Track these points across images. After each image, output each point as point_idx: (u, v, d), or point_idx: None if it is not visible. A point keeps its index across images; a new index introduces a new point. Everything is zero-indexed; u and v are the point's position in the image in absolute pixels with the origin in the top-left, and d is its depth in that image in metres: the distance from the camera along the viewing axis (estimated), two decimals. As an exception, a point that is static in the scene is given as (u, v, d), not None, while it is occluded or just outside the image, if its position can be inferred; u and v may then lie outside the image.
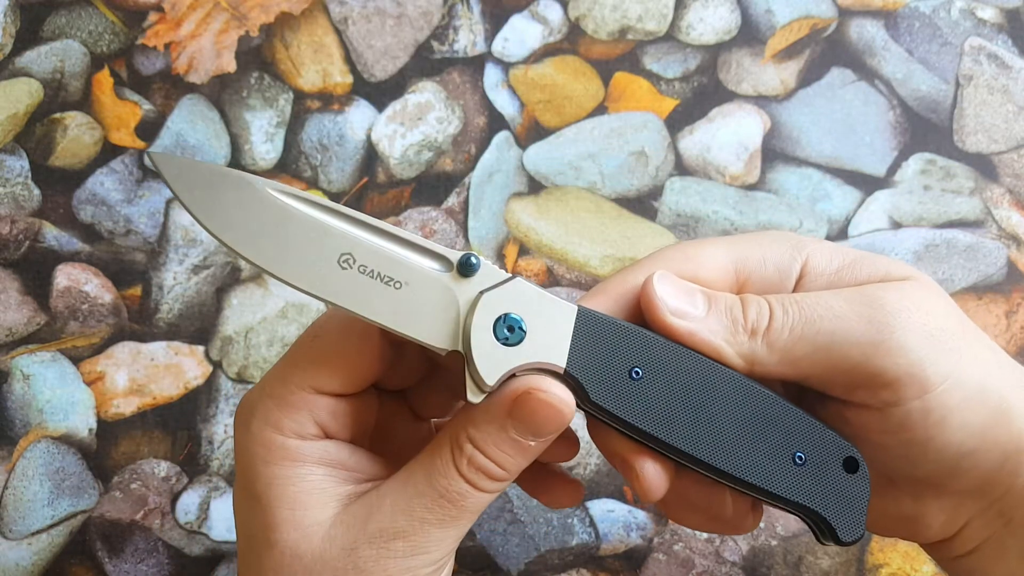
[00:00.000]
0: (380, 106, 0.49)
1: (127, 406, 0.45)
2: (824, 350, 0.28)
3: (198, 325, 0.46)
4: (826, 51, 0.49)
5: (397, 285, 0.26)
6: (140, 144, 0.48)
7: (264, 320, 0.46)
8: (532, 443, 0.27)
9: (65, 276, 0.46)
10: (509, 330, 0.26)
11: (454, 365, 0.28)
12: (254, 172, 0.48)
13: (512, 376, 0.27)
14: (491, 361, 0.26)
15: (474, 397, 0.26)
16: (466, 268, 0.27)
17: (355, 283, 0.26)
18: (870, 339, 0.27)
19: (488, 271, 0.27)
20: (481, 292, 0.27)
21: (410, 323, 0.26)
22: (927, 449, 0.28)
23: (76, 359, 0.45)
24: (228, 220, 0.26)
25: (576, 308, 0.27)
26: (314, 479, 0.28)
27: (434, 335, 0.26)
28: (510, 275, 0.27)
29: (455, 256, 0.27)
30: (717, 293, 0.29)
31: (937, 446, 0.28)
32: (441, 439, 0.28)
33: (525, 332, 0.26)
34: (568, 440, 0.31)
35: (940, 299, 0.29)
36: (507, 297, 0.26)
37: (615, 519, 0.44)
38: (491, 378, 0.26)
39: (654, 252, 0.30)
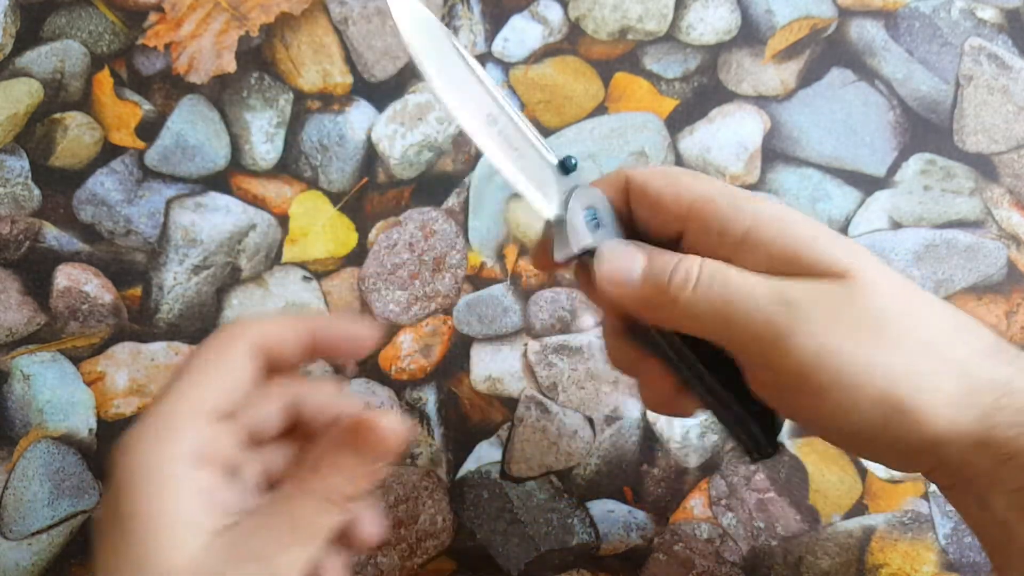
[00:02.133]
0: (380, 106, 0.49)
1: (127, 406, 0.45)
2: (730, 332, 0.30)
3: (198, 325, 0.46)
4: (826, 51, 0.49)
5: (520, 156, 0.34)
6: (140, 144, 0.48)
7: (264, 320, 0.46)
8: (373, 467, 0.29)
9: (65, 276, 0.46)
10: (593, 219, 0.33)
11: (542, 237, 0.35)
12: (254, 173, 0.48)
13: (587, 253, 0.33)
14: (578, 234, 0.33)
15: (560, 256, 0.33)
16: (565, 168, 0.34)
17: (497, 138, 0.34)
18: (771, 341, 0.29)
19: (583, 172, 0.34)
20: (575, 186, 0.33)
21: (527, 187, 0.34)
22: (829, 432, 0.31)
23: (76, 359, 0.45)
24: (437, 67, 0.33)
25: None
26: (187, 507, 0.28)
27: (541, 203, 0.34)
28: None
29: (556, 158, 0.34)
30: (656, 258, 0.32)
31: (835, 435, 0.31)
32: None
33: (599, 223, 0.33)
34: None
35: (854, 307, 0.30)
36: (592, 195, 0.33)
37: (615, 519, 0.44)
38: (577, 247, 0.33)
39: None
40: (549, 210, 0.33)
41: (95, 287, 0.46)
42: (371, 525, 0.32)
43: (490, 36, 0.50)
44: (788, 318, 0.29)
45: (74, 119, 0.48)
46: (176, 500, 0.27)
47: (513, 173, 0.33)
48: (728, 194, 0.32)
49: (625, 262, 0.32)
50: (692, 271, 0.30)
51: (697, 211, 0.31)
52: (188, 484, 0.28)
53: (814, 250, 0.30)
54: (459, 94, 0.33)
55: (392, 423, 0.30)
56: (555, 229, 0.33)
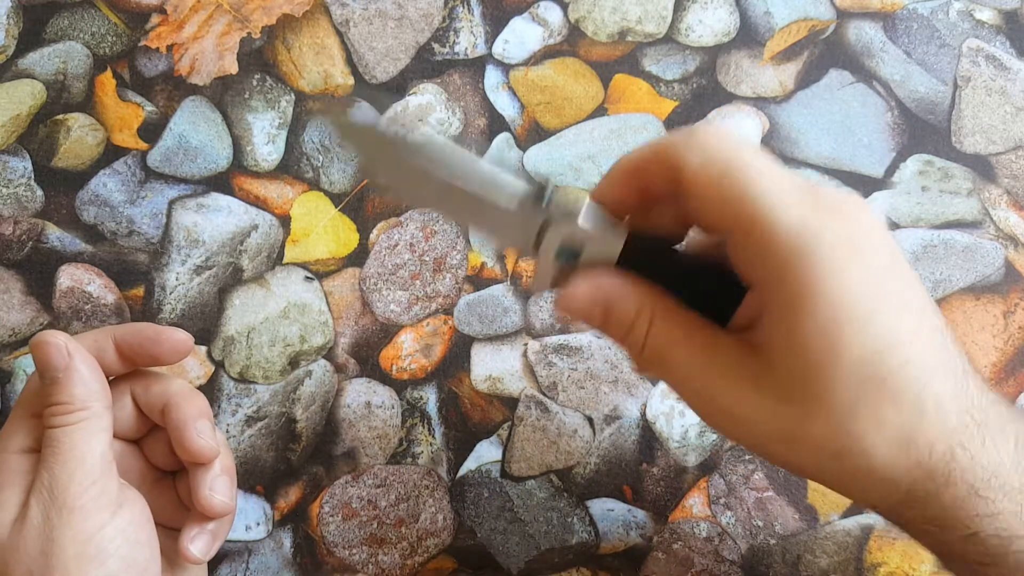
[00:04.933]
0: (381, 108, 0.49)
1: (130, 406, 0.45)
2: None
3: (200, 325, 0.46)
4: (824, 53, 0.50)
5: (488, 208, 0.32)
6: (142, 145, 0.48)
7: (266, 320, 0.46)
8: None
9: (68, 277, 0.46)
10: (570, 257, 0.31)
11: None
12: (256, 174, 0.48)
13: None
14: (548, 278, 0.32)
15: (535, 290, 0.34)
16: (539, 197, 0.31)
17: (461, 200, 0.32)
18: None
19: (558, 200, 0.31)
20: (547, 221, 0.31)
21: (496, 236, 0.32)
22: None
23: (79, 359, 0.46)
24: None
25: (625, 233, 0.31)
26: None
27: (518, 244, 0.32)
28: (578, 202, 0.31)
29: (525, 189, 0.31)
30: (614, 311, 0.30)
31: None
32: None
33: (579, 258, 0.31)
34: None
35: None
36: (569, 227, 0.31)
37: (615, 518, 0.44)
38: (550, 287, 0.32)
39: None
40: (526, 249, 0.32)
41: (98, 287, 0.46)
42: (220, 492, 0.35)
43: (490, 38, 0.50)
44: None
45: (77, 120, 0.48)
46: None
47: (486, 232, 0.32)
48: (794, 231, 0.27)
49: (583, 311, 0.30)
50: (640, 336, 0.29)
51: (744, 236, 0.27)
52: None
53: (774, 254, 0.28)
54: (411, 189, 0.32)
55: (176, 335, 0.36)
56: (534, 261, 0.32)
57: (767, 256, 0.26)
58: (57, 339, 0.34)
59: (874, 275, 0.26)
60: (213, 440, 0.35)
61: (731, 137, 0.28)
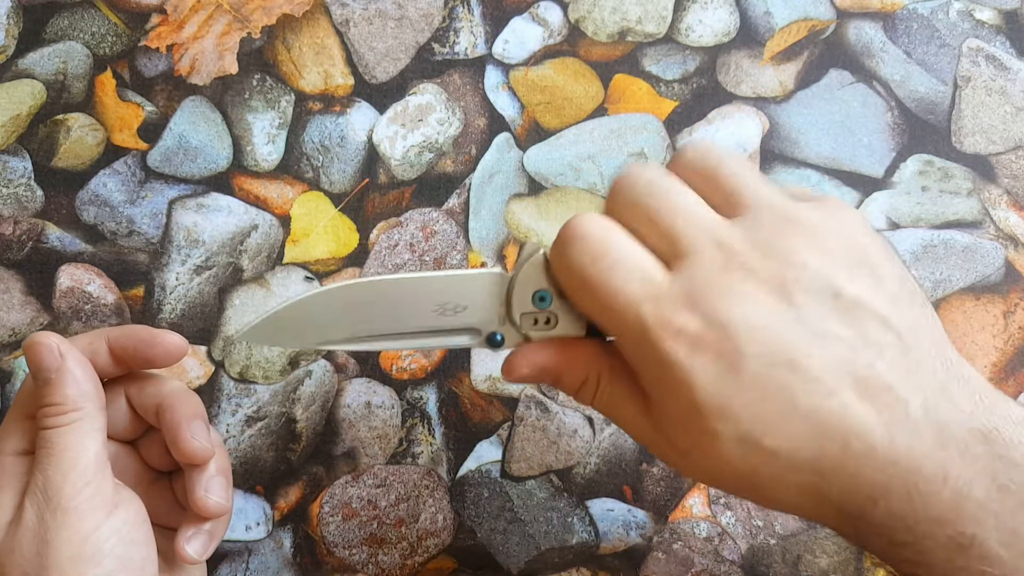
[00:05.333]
0: (381, 108, 0.49)
1: (130, 406, 0.45)
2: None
3: (200, 325, 0.46)
4: (824, 53, 0.50)
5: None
6: (143, 145, 0.48)
7: (266, 320, 0.46)
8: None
9: (68, 277, 0.46)
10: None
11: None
12: (256, 174, 0.48)
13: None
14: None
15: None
16: (492, 343, 0.33)
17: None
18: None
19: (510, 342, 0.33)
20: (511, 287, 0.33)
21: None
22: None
23: (79, 359, 0.46)
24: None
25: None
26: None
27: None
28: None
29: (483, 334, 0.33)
30: (563, 378, 0.33)
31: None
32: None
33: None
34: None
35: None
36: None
37: (615, 518, 0.44)
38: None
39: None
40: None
41: (98, 287, 0.46)
42: (215, 493, 0.35)
43: (490, 38, 0.50)
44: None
45: (77, 120, 0.48)
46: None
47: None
48: None
49: (533, 377, 0.33)
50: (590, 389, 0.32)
51: None
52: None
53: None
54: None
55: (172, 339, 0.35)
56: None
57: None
58: (49, 340, 0.34)
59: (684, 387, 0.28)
60: (208, 441, 0.35)
61: (581, 237, 0.30)
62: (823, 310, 0.27)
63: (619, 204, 0.30)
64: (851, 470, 0.26)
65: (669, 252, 0.29)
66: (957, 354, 0.29)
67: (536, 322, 0.32)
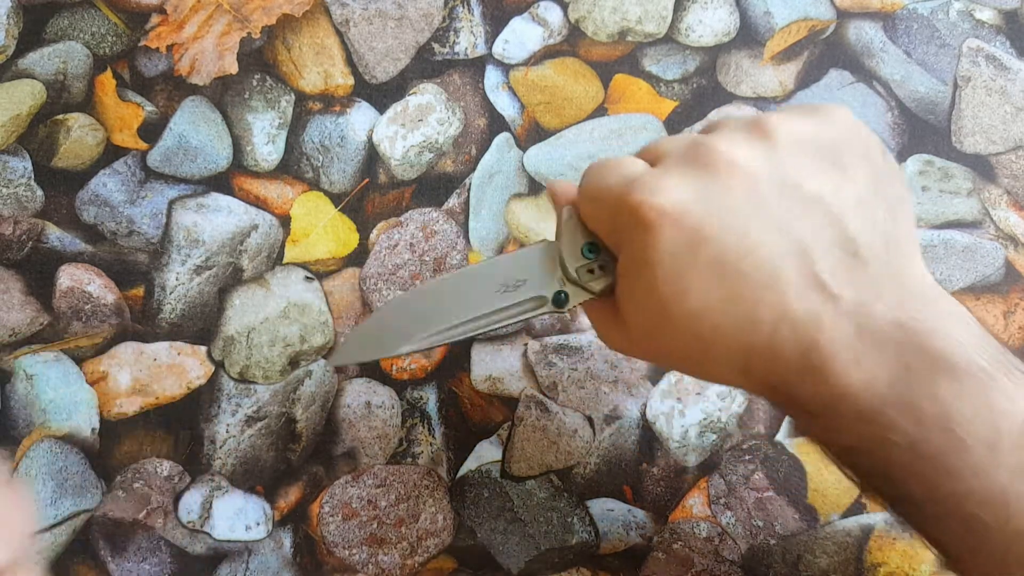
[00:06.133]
0: (381, 108, 0.49)
1: (130, 406, 0.45)
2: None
3: (200, 325, 0.46)
4: (824, 53, 0.50)
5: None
6: (143, 145, 0.48)
7: (266, 320, 0.46)
8: None
9: (68, 277, 0.46)
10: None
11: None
12: (256, 173, 0.48)
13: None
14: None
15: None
16: (558, 303, 0.35)
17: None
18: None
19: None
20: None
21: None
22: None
23: (79, 359, 0.46)
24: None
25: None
26: None
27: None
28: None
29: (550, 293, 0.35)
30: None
31: None
32: None
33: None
34: None
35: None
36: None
37: (614, 518, 0.44)
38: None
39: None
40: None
41: (98, 287, 0.46)
42: None
43: (490, 38, 0.50)
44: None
45: (76, 120, 0.48)
46: None
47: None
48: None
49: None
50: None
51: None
52: None
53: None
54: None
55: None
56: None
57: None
58: None
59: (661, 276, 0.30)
60: None
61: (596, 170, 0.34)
62: (785, 204, 0.29)
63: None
64: (776, 353, 0.29)
65: (653, 159, 0.33)
66: (920, 266, 0.30)
67: (592, 271, 0.34)
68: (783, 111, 0.32)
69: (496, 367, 0.46)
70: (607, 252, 0.34)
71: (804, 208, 0.29)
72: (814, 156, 0.30)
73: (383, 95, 0.49)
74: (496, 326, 0.35)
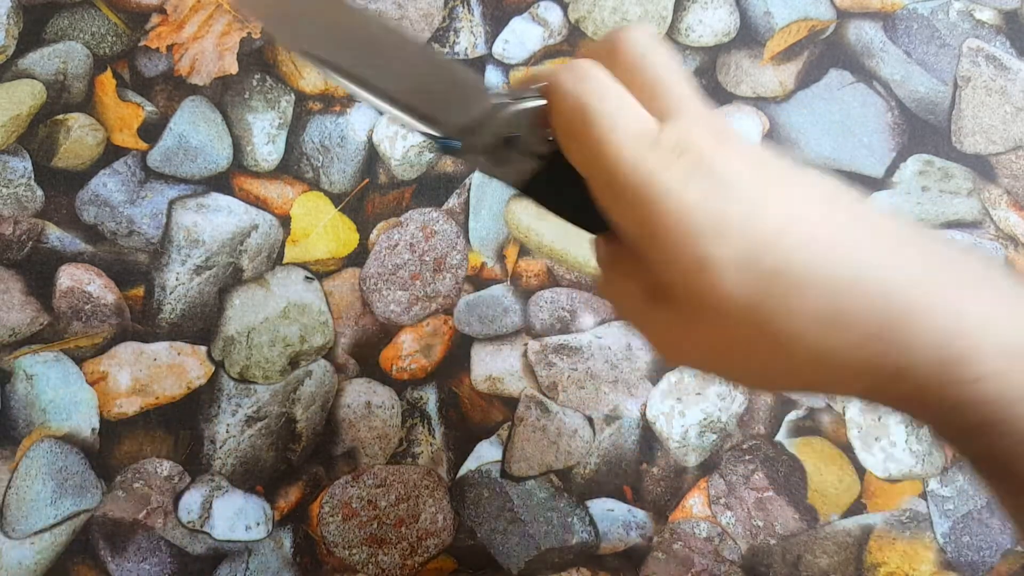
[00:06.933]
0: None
1: (130, 406, 0.45)
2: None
3: (200, 325, 0.46)
4: (824, 53, 0.50)
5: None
6: (142, 145, 0.48)
7: (266, 320, 0.46)
8: None
9: (68, 277, 0.46)
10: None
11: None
12: (256, 174, 0.48)
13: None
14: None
15: None
16: (447, 148, 0.31)
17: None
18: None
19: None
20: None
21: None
22: None
23: (79, 359, 0.46)
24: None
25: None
26: None
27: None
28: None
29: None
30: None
31: None
32: None
33: None
34: None
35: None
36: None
37: (615, 518, 0.44)
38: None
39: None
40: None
41: (98, 287, 0.46)
42: None
43: (490, 38, 0.50)
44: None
45: (77, 120, 0.48)
46: None
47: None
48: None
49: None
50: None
51: None
52: None
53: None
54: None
55: None
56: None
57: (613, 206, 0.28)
58: None
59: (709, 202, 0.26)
60: None
61: (588, 76, 0.28)
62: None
63: (617, 62, 0.29)
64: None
65: (659, 111, 0.28)
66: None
67: (503, 162, 0.31)
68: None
69: (496, 367, 0.46)
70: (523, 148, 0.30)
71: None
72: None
73: (383, 95, 0.49)
74: (381, 108, 0.30)
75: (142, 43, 0.49)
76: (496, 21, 0.50)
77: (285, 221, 0.47)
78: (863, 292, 0.25)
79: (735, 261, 0.25)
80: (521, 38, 0.50)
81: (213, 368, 0.46)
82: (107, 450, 0.45)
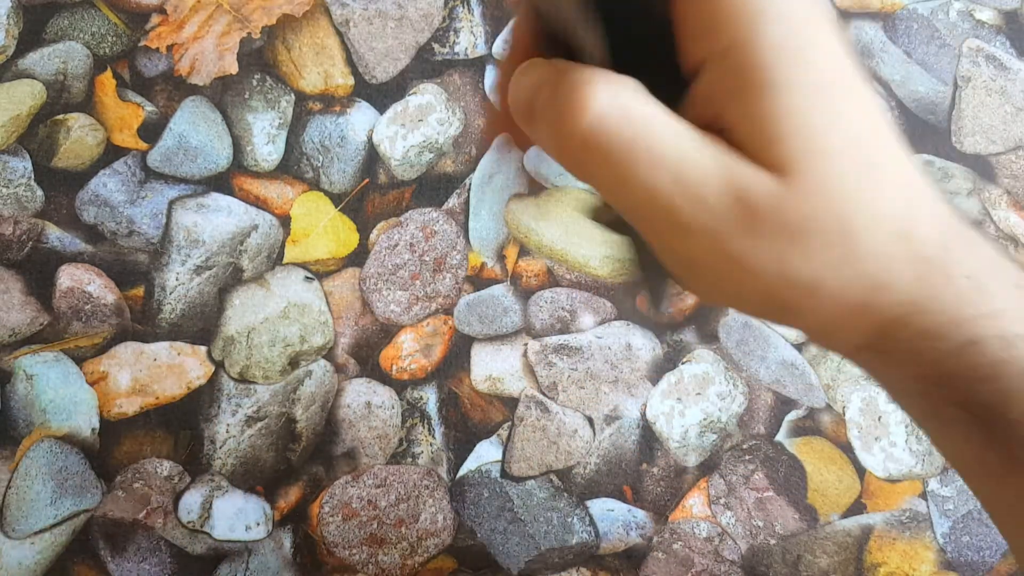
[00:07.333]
0: (381, 108, 0.49)
1: (130, 406, 0.45)
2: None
3: (200, 325, 0.46)
4: (825, 53, 0.50)
5: None
6: (143, 145, 0.48)
7: (266, 320, 0.46)
8: None
9: (68, 277, 0.46)
10: None
11: None
12: (256, 174, 0.48)
13: None
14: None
15: None
16: None
17: None
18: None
19: None
20: None
21: None
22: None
23: (79, 359, 0.46)
24: None
25: None
26: None
27: None
28: None
29: None
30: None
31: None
32: None
33: None
34: None
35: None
36: None
37: (615, 518, 0.44)
38: None
39: None
40: None
41: (98, 287, 0.46)
42: None
43: (490, 38, 0.50)
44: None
45: (77, 120, 0.48)
46: None
47: None
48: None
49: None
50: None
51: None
52: None
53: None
54: None
55: None
56: None
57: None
58: None
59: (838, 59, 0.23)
60: None
61: None
62: None
63: None
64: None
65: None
66: None
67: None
68: None
69: (496, 367, 0.46)
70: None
71: None
72: None
73: (383, 95, 0.49)
74: None
75: (142, 43, 0.49)
76: (496, 21, 0.50)
77: (285, 221, 0.47)
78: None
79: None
80: (521, 38, 0.50)
81: (213, 368, 0.46)
82: (107, 450, 0.45)
